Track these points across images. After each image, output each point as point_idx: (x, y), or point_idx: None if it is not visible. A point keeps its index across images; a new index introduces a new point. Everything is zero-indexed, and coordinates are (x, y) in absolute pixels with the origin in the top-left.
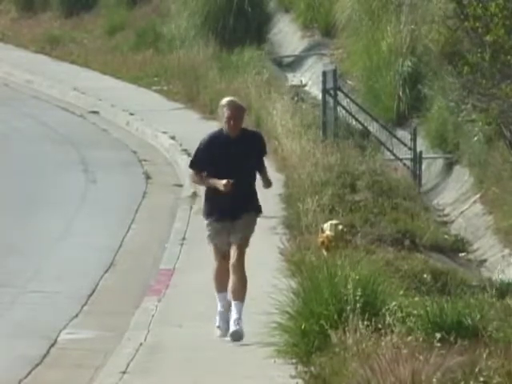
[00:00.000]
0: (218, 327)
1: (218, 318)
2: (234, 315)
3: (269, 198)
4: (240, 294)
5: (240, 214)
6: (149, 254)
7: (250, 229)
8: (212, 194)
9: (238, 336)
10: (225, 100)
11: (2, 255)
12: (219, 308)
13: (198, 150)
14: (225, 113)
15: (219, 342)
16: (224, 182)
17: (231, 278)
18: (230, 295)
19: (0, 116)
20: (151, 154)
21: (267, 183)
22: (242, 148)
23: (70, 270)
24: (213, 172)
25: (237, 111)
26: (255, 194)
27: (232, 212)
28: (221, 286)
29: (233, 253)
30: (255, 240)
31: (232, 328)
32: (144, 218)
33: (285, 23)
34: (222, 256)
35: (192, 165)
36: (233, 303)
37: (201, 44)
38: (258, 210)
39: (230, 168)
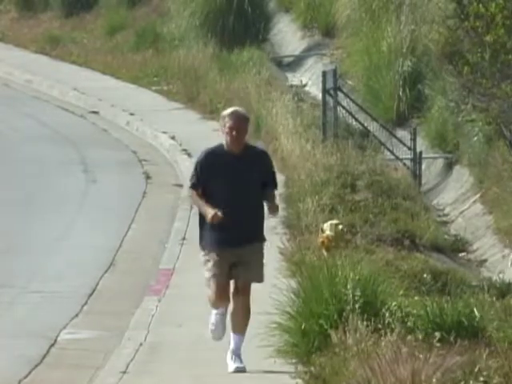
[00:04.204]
0: (213, 331)
1: (212, 320)
2: (232, 345)
3: None
4: (241, 327)
5: (242, 244)
6: (149, 254)
7: (258, 267)
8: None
9: (240, 371)
10: (227, 110)
11: (2, 255)
12: (214, 311)
13: (195, 170)
14: (226, 123)
15: (219, 342)
16: (212, 213)
17: (233, 307)
18: (230, 326)
19: (0, 116)
20: (151, 153)
21: (273, 209)
22: (246, 166)
23: (70, 269)
24: (210, 193)
25: (240, 121)
26: (262, 221)
27: (232, 241)
28: (218, 306)
29: (237, 287)
30: None
31: (232, 366)
32: (144, 218)
33: (285, 23)
34: (223, 290)
35: (193, 186)
36: (232, 335)
37: (201, 44)
38: (262, 240)
39: (229, 189)
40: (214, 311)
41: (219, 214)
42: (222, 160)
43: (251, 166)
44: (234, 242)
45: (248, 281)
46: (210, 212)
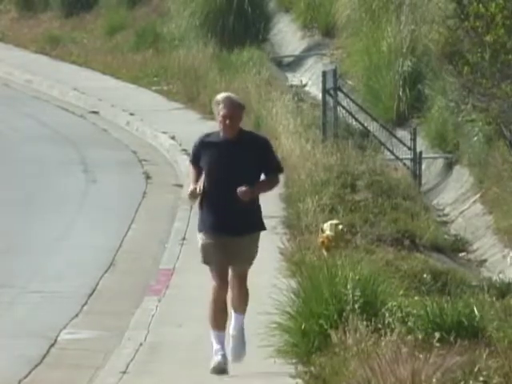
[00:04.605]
0: (219, 363)
1: (214, 356)
2: (232, 328)
3: (269, 197)
4: (241, 306)
5: (239, 232)
6: (149, 254)
7: (253, 254)
8: (205, 204)
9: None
10: (220, 96)
11: (2, 255)
12: (215, 346)
13: (191, 153)
14: (220, 111)
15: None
16: (191, 188)
17: (232, 292)
18: (230, 306)
19: (0, 116)
20: (151, 153)
21: (244, 191)
22: (240, 152)
23: (70, 269)
24: (205, 178)
25: (234, 109)
26: (258, 209)
27: (227, 227)
28: (217, 324)
29: (233, 279)
30: None
31: (231, 357)
32: (144, 218)
33: (285, 23)
34: (221, 275)
35: (191, 162)
36: (233, 315)
37: (201, 44)
38: (261, 228)
39: (223, 176)
40: (214, 345)
41: (198, 190)
42: (215, 145)
43: (246, 152)
44: (228, 230)
45: (243, 269)
46: (190, 186)
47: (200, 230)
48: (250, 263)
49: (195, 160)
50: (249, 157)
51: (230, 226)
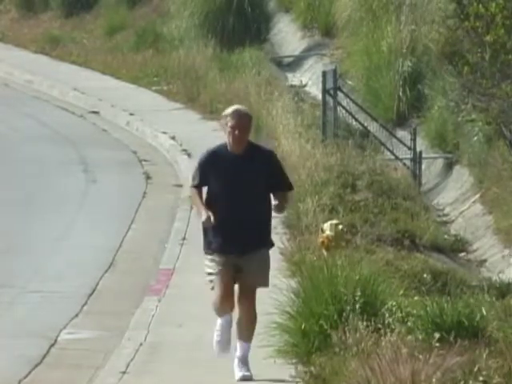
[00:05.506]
0: (218, 342)
1: (217, 331)
2: (238, 352)
3: None
4: (247, 334)
5: (248, 250)
6: (149, 254)
7: (264, 271)
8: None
9: (246, 379)
10: (229, 109)
11: (2, 255)
12: (220, 321)
13: (197, 170)
14: (228, 122)
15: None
16: (205, 216)
17: (238, 314)
18: (236, 333)
19: (0, 116)
20: (151, 153)
21: (278, 208)
22: (249, 167)
23: (70, 269)
24: (213, 195)
25: (243, 120)
26: (267, 224)
27: (236, 246)
28: (223, 312)
29: (241, 291)
30: None
31: (239, 374)
32: (144, 218)
33: (285, 23)
34: (227, 290)
35: (193, 186)
36: (237, 342)
37: (201, 44)
38: (269, 245)
39: (232, 191)
40: (219, 321)
41: (212, 219)
42: (223, 160)
43: (255, 167)
44: (237, 249)
45: (252, 284)
46: (203, 214)
47: (206, 249)
48: (259, 282)
49: (200, 183)
50: (258, 172)
51: (237, 246)
